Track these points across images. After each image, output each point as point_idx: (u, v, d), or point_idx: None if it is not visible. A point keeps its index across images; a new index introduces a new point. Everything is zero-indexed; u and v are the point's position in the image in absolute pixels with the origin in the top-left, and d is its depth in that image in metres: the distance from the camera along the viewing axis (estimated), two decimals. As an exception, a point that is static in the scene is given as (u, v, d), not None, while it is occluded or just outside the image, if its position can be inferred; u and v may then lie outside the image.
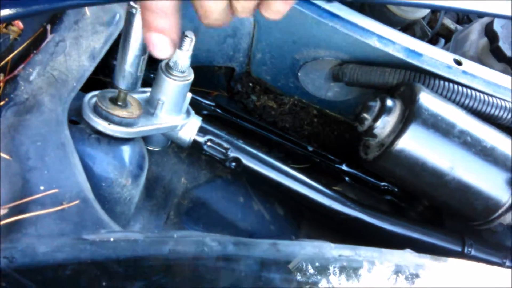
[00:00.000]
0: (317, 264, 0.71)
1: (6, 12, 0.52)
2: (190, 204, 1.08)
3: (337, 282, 0.71)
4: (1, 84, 0.80)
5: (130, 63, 0.77)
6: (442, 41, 2.10)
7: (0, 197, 0.70)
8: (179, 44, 0.86)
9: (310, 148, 1.26)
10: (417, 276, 0.76)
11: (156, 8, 0.54)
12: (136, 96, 0.92)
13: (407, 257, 0.79)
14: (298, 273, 0.70)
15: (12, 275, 0.61)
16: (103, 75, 1.12)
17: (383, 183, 1.26)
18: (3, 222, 0.67)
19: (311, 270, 0.70)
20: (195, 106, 1.11)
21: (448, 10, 1.74)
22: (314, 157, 1.26)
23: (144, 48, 0.76)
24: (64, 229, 0.69)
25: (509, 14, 0.52)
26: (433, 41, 2.07)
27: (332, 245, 0.75)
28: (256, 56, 1.29)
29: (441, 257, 0.80)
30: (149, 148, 1.02)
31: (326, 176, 1.29)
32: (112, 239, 0.66)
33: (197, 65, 1.23)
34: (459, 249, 1.06)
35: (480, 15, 1.73)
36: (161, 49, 0.57)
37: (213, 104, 1.21)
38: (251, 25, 1.20)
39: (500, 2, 0.53)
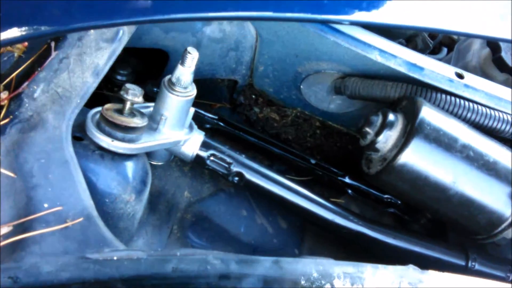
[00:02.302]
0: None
1: (11, 34, 0.53)
2: (193, 218, 1.08)
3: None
4: (6, 101, 0.81)
5: None
6: (445, 50, 2.11)
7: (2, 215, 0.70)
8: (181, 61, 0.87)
9: (313, 161, 1.27)
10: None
11: None
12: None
13: (410, 273, 0.79)
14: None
15: (16, 295, 0.61)
16: (106, 89, 1.13)
17: (386, 196, 1.26)
18: (8, 240, 0.68)
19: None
20: (198, 120, 1.12)
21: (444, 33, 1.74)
22: (317, 170, 1.26)
23: None
24: (68, 247, 0.69)
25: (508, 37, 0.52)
26: (436, 50, 2.07)
27: (335, 262, 0.75)
28: (258, 68, 1.29)
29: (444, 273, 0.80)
30: (152, 162, 1.02)
31: (329, 189, 1.29)
32: (115, 258, 0.66)
33: (199, 78, 1.24)
34: (462, 263, 1.06)
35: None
36: None
37: (216, 117, 1.21)
38: (254, 38, 1.21)
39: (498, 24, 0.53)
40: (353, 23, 0.49)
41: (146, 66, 1.26)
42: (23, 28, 0.53)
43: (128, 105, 0.85)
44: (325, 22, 0.46)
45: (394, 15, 0.50)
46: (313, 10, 0.49)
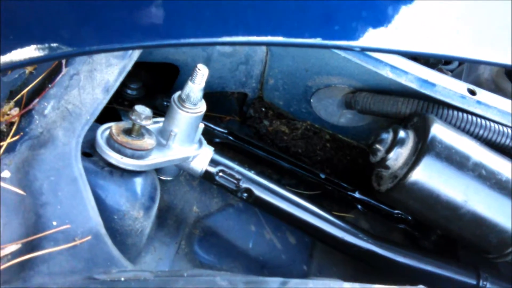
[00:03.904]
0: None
1: (20, 56, 0.53)
2: (201, 233, 1.08)
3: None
4: (17, 118, 0.81)
5: None
6: (456, 62, 2.09)
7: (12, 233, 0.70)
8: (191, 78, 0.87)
9: (323, 176, 1.26)
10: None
11: None
12: (149, 126, 0.92)
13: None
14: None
15: (24, 315, 0.61)
16: (116, 103, 1.13)
17: (396, 211, 1.25)
18: (16, 260, 0.68)
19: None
20: (208, 134, 1.12)
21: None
22: (327, 185, 1.25)
23: None
24: (76, 267, 0.69)
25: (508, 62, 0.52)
26: (446, 61, 2.06)
27: (344, 283, 0.74)
28: (268, 82, 1.29)
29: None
30: (161, 178, 1.02)
31: (338, 204, 1.28)
32: (122, 279, 0.66)
33: (210, 91, 1.24)
34: (474, 282, 1.04)
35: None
36: None
37: (226, 131, 1.21)
38: (264, 52, 1.21)
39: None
40: (364, 50, 0.48)
41: (156, 80, 1.26)
42: (33, 51, 0.53)
43: (136, 127, 0.86)
44: (335, 48, 0.46)
45: (406, 42, 0.49)
46: (324, 36, 0.49)
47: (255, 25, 0.49)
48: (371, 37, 0.49)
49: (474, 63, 1.64)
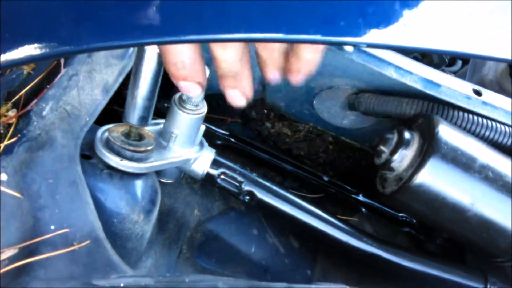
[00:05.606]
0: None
1: (17, 55, 0.51)
2: (203, 237, 1.06)
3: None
4: (14, 119, 0.79)
5: (141, 99, 0.76)
6: (459, 63, 2.08)
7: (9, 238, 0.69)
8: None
9: (326, 178, 1.24)
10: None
11: (176, 62, 0.57)
12: (149, 128, 0.91)
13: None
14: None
15: (20, 322, 0.59)
16: (116, 105, 1.12)
17: (401, 214, 1.23)
18: (13, 265, 0.66)
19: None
20: (209, 136, 1.10)
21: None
22: (330, 187, 1.24)
23: (155, 84, 0.75)
24: (74, 272, 0.68)
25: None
26: (450, 62, 2.05)
27: (349, 288, 0.72)
28: (270, 83, 1.27)
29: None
30: (161, 180, 1.01)
31: (342, 206, 1.26)
32: (122, 285, 0.64)
33: (211, 93, 1.22)
34: (481, 287, 1.02)
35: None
36: (190, 92, 0.62)
37: (227, 133, 1.20)
38: (266, 53, 1.19)
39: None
40: (370, 46, 0.47)
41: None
42: (30, 49, 0.51)
43: (134, 130, 0.84)
44: (341, 45, 0.45)
45: (413, 38, 0.48)
46: (329, 32, 0.47)
47: (257, 21, 0.47)
48: (377, 33, 0.47)
49: (485, 60, 1.63)
